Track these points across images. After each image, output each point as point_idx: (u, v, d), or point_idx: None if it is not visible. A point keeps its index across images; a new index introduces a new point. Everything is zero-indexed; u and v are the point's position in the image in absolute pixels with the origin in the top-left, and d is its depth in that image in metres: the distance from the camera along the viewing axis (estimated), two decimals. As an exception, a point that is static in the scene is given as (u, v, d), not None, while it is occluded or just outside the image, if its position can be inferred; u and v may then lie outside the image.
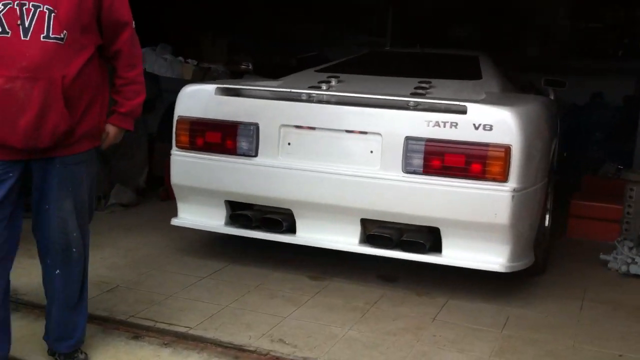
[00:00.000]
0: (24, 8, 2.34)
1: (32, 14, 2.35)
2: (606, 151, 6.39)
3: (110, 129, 2.75)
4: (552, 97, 5.35)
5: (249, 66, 8.00)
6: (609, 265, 4.23)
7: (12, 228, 2.54)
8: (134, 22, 2.65)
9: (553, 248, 4.53)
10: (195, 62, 6.49)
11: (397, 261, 3.69)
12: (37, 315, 3.14)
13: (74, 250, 2.63)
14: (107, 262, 3.97)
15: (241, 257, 4.15)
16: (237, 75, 7.17)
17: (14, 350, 2.77)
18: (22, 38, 2.34)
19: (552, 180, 4.23)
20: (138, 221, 4.92)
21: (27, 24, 2.34)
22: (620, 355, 3.05)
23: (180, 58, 6.46)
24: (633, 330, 3.34)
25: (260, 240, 3.92)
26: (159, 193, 5.56)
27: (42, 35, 2.36)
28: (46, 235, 2.61)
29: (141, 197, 5.52)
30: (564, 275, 4.16)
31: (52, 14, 2.37)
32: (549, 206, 4.26)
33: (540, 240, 3.92)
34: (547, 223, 4.27)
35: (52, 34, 2.37)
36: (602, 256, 4.28)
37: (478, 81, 4.25)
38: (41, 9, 2.36)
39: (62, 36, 2.39)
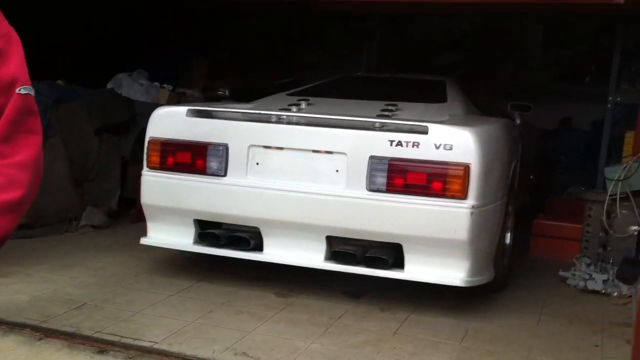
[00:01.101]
0: None
1: None
2: (573, 174, 6.58)
3: None
4: (517, 121, 5.52)
5: (225, 92, 8.10)
6: (568, 281, 4.36)
7: None
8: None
9: (515, 266, 4.65)
10: (170, 87, 6.60)
11: (363, 278, 3.78)
12: (4, 331, 3.17)
13: None
14: (75, 281, 4.00)
15: (209, 276, 4.21)
16: (213, 100, 7.28)
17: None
18: None
19: (513, 200, 4.36)
20: (108, 242, 4.96)
21: None
22: (574, 366, 3.15)
23: (156, 83, 6.57)
24: (586, 342, 3.45)
25: (229, 258, 3.99)
26: (131, 215, 5.61)
27: None
28: None
29: (113, 219, 5.56)
30: (523, 291, 4.28)
31: None
32: (509, 224, 4.39)
33: (500, 257, 4.04)
34: (508, 240, 4.40)
35: None
36: (562, 273, 4.41)
37: (443, 104, 4.40)
38: None
39: None
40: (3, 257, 4.33)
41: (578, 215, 4.93)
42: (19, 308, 3.48)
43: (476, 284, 3.68)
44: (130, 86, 6.30)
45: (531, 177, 6.51)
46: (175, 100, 6.35)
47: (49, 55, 6.48)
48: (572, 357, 3.24)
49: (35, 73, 5.47)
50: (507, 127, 4.27)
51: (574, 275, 4.34)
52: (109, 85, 6.34)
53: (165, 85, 6.54)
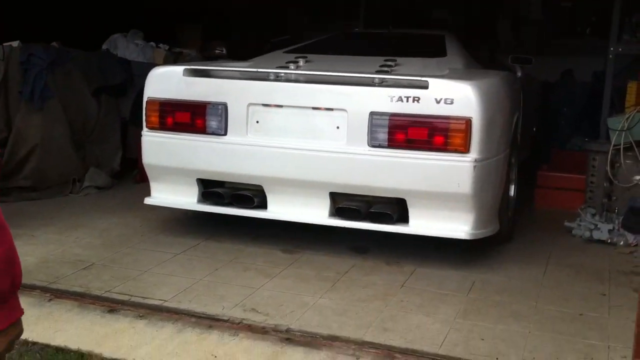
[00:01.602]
0: None
1: None
2: (575, 126, 6.55)
3: None
4: (519, 74, 5.48)
5: (222, 51, 8.02)
6: (573, 232, 4.39)
7: None
8: None
9: (520, 218, 4.68)
10: (166, 47, 6.50)
11: (368, 233, 3.81)
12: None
13: None
14: (82, 242, 4.03)
15: (215, 234, 4.24)
16: (211, 59, 7.21)
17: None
18: None
19: (515, 152, 4.36)
20: (113, 203, 4.98)
21: None
22: (581, 314, 3.19)
23: (152, 43, 6.47)
24: (593, 292, 3.49)
25: (235, 217, 4.01)
26: (133, 176, 5.62)
27: None
28: None
29: (116, 180, 5.58)
30: (529, 242, 4.31)
31: None
32: (512, 177, 4.39)
33: (504, 209, 4.06)
34: (512, 193, 4.41)
35: None
36: (567, 224, 4.44)
37: (442, 58, 4.36)
38: None
39: None
40: (9, 220, 4.32)
41: (582, 167, 4.94)
42: (27, 270, 3.49)
43: (481, 236, 3.71)
44: (125, 47, 6.21)
45: (534, 129, 6.51)
46: (172, 60, 6.28)
47: (43, 17, 6.39)
48: (579, 306, 3.28)
49: (30, 36, 5.43)
50: (508, 80, 4.24)
51: (579, 225, 4.37)
52: (104, 46, 6.25)
53: (161, 45, 6.45)
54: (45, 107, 4.98)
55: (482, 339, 2.90)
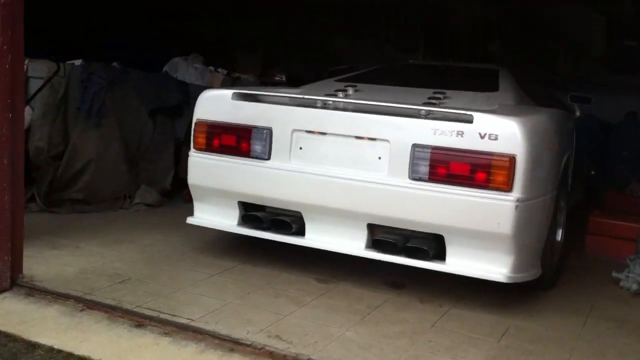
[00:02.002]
0: None
1: None
2: (635, 172, 6.29)
3: None
4: (577, 113, 5.33)
5: (282, 78, 8.16)
6: (621, 283, 4.17)
7: None
8: None
9: (567, 263, 4.50)
10: (225, 72, 6.67)
11: (407, 268, 3.73)
12: (49, 300, 3.30)
13: None
14: (123, 256, 4.12)
15: (252, 258, 4.25)
16: (269, 86, 7.33)
17: (24, 332, 2.93)
18: None
19: (564, 194, 4.21)
20: (160, 220, 5.08)
21: None
22: (617, 372, 3.03)
23: (211, 67, 6.65)
24: (633, 348, 3.30)
25: (273, 242, 4.01)
26: (184, 195, 5.71)
27: None
28: None
29: (166, 198, 5.69)
30: (573, 290, 4.13)
31: None
32: (561, 220, 4.24)
33: (549, 254, 3.90)
34: (559, 237, 4.25)
35: None
36: (614, 274, 4.23)
37: (493, 93, 4.28)
38: None
39: None
40: (57, 231, 4.52)
41: (637, 214, 4.71)
42: (65, 279, 3.61)
43: (520, 280, 3.57)
44: (185, 70, 6.41)
45: (592, 172, 6.28)
46: (229, 84, 6.42)
47: (106, 38, 6.67)
48: (616, 361, 3.11)
49: (92, 55, 5.62)
50: (559, 118, 4.11)
51: (627, 277, 4.15)
52: (165, 69, 6.47)
53: (219, 70, 6.62)
54: (101, 124, 5.16)
55: (509, 387, 2.77)
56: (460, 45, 8.28)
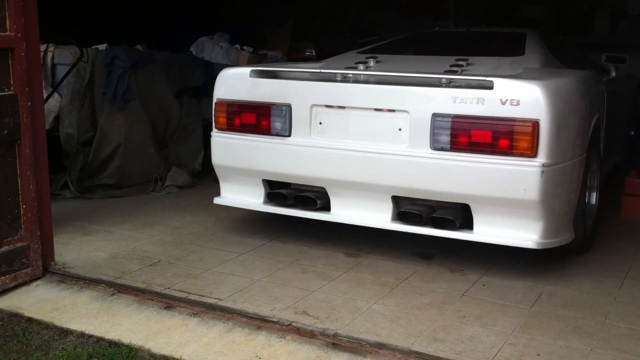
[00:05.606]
0: None
1: None
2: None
3: None
4: (612, 74, 5.14)
5: (312, 53, 8.08)
6: (659, 244, 4.05)
7: None
8: None
9: (603, 226, 4.38)
10: (250, 49, 6.64)
11: (435, 239, 3.70)
12: (80, 286, 3.38)
13: None
14: (153, 239, 4.18)
15: (281, 236, 4.27)
16: (298, 61, 7.26)
17: (56, 318, 3.01)
18: None
19: (596, 157, 4.09)
20: (190, 202, 5.14)
21: None
22: (655, 334, 2.95)
23: (237, 45, 6.63)
24: (672, 310, 3.21)
25: (302, 219, 4.02)
26: (214, 176, 5.75)
27: None
28: None
29: (197, 179, 5.75)
30: (608, 254, 4.03)
31: None
32: (594, 183, 4.12)
33: (581, 218, 3.81)
34: (593, 201, 4.14)
35: None
36: (652, 235, 4.11)
37: (519, 57, 4.16)
38: None
39: None
40: (89, 216, 4.61)
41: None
42: (96, 265, 3.69)
43: (551, 246, 3.50)
44: (211, 49, 6.41)
45: (632, 132, 6.08)
46: (256, 62, 6.40)
47: (133, 20, 6.68)
48: (652, 325, 3.03)
49: (114, 38, 5.59)
50: (586, 80, 3.97)
51: (665, 237, 4.03)
52: (191, 49, 6.47)
53: (245, 47, 6.60)
54: (127, 108, 5.22)
55: (538, 355, 2.73)
56: (498, 12, 8.06)
